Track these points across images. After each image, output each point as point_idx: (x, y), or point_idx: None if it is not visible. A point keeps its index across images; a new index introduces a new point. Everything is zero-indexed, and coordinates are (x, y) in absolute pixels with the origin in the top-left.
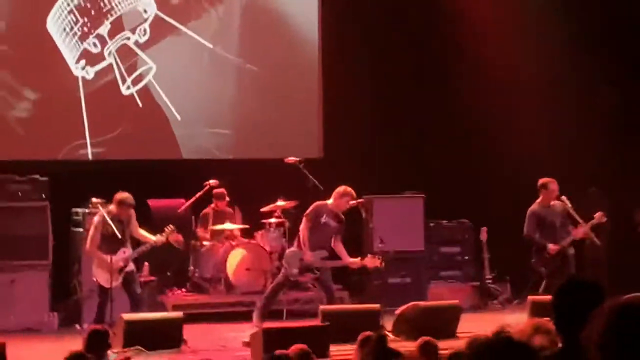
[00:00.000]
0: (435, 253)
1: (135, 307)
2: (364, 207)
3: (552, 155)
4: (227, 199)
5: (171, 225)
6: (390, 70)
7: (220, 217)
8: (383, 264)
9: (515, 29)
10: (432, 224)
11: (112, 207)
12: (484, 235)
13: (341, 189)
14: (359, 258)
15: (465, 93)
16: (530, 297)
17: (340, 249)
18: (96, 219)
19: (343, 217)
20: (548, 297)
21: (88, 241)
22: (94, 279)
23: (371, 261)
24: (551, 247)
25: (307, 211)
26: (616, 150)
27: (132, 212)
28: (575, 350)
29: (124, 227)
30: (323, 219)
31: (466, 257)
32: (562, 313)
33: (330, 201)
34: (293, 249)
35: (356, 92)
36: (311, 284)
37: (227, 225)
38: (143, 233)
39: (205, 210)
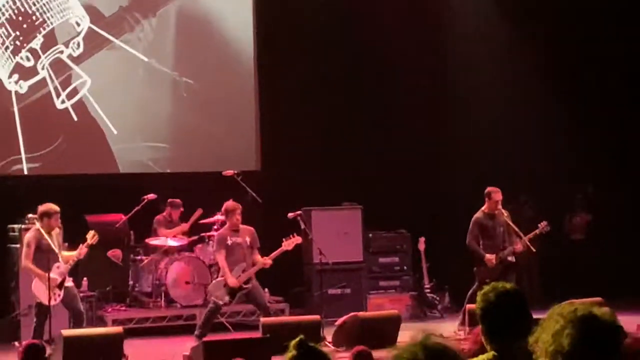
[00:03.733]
0: (374, 263)
1: (76, 323)
2: (303, 219)
3: (486, 163)
4: (179, 213)
5: (91, 231)
6: (327, 81)
7: (168, 228)
8: (300, 239)
9: (452, 35)
10: (370, 235)
11: (39, 225)
12: (422, 245)
13: (223, 208)
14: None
15: (401, 102)
16: (469, 306)
17: (255, 257)
18: (29, 234)
19: (249, 228)
20: None
21: (23, 257)
22: (34, 297)
23: (288, 244)
24: (488, 257)
25: (214, 244)
26: (546, 158)
27: (59, 231)
28: (507, 356)
29: (53, 242)
30: (229, 242)
31: (405, 267)
32: (488, 318)
33: (227, 223)
34: (217, 280)
35: (293, 104)
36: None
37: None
38: (65, 254)
39: (157, 217)
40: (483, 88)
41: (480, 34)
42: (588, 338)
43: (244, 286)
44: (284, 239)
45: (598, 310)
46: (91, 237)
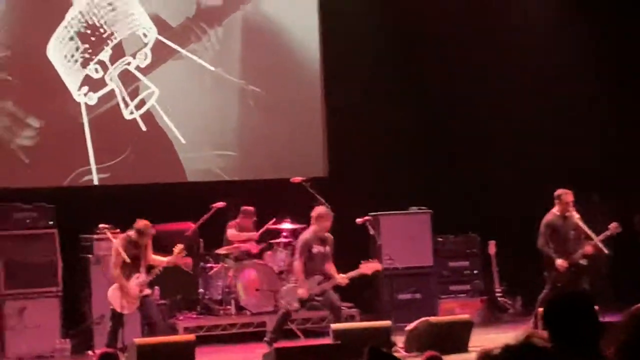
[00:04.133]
0: (444, 268)
1: (151, 331)
2: (371, 225)
3: (555, 165)
4: (255, 219)
5: (180, 245)
6: (394, 86)
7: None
8: (380, 267)
9: (522, 39)
10: (440, 239)
11: (132, 233)
12: (492, 249)
13: (315, 211)
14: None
15: (469, 107)
16: (540, 310)
17: (330, 270)
18: (117, 242)
19: (330, 236)
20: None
21: (111, 266)
22: (109, 304)
23: (367, 267)
24: (559, 263)
25: (298, 247)
26: (616, 157)
27: (150, 240)
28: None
29: (140, 252)
30: (314, 250)
31: (475, 271)
32: (553, 324)
33: (312, 227)
34: (289, 285)
35: (359, 110)
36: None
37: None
38: (155, 257)
39: (230, 222)
40: (550, 90)
41: (551, 33)
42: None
43: (317, 298)
44: (362, 262)
45: None
46: (179, 251)
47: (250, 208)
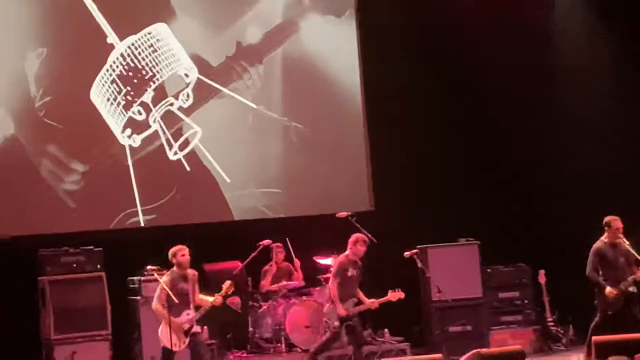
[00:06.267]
0: (494, 299)
1: None
2: (419, 257)
3: (605, 193)
4: (284, 253)
5: (228, 281)
6: (436, 118)
7: (278, 275)
8: (403, 295)
9: (567, 68)
10: (489, 270)
11: (174, 268)
12: (542, 278)
13: (353, 237)
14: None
15: (513, 136)
16: (594, 338)
17: (359, 294)
18: (163, 279)
19: (360, 262)
20: (612, 337)
21: (154, 300)
22: (160, 341)
23: (393, 295)
24: (608, 291)
25: (334, 270)
26: None
27: (196, 275)
28: None
29: (189, 287)
30: (349, 273)
31: (526, 301)
32: None
33: (347, 252)
34: (330, 305)
35: (403, 142)
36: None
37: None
38: (202, 297)
39: (265, 267)
40: (596, 110)
41: (589, 45)
42: None
43: (352, 319)
44: (390, 291)
45: None
46: (227, 287)
47: (277, 244)
